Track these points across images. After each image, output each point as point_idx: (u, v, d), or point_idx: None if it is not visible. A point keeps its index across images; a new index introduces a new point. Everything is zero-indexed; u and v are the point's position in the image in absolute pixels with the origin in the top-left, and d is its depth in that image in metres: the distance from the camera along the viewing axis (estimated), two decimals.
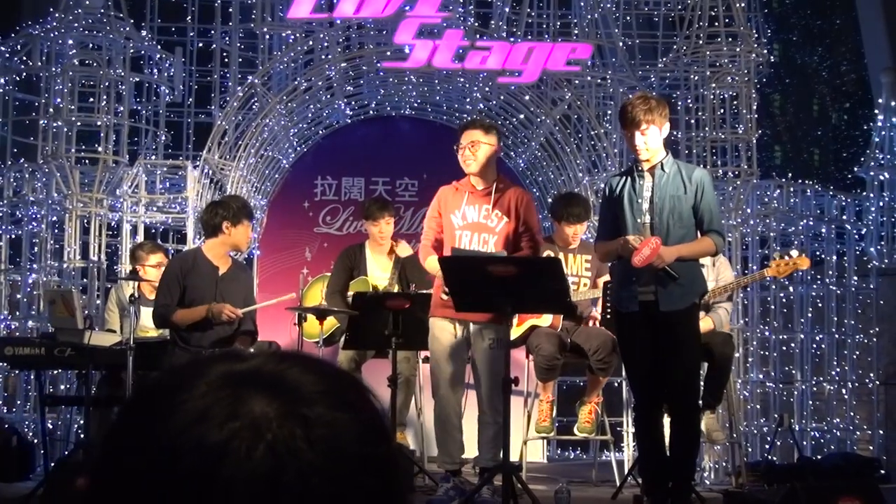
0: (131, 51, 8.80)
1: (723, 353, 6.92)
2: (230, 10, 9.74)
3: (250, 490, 0.79)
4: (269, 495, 0.79)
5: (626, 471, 7.32)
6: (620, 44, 9.54)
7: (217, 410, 0.82)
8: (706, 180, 5.58)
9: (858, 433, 9.57)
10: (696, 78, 9.08)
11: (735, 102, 8.97)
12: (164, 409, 0.84)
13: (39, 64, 8.79)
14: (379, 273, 7.80)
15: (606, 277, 7.09)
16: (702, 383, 7.47)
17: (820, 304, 9.58)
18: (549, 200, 8.74)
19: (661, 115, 5.46)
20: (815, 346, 9.49)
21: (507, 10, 9.63)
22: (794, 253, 6.92)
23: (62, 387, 8.22)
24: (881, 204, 9.69)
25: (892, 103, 9.83)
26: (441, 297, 6.12)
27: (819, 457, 8.64)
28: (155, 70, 9.25)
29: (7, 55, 8.96)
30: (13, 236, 9.02)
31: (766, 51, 9.28)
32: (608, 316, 6.79)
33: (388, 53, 9.22)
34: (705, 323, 6.76)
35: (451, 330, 6.21)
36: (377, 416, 0.89)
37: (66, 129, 8.46)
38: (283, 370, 0.87)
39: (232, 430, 0.81)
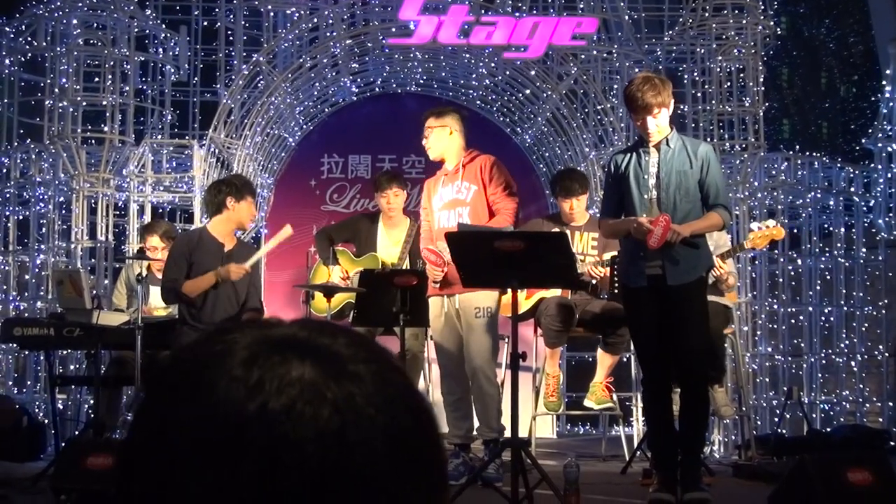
0: (136, 30, 8.78)
1: (714, 327, 6.88)
2: None
3: (321, 450, 0.80)
4: (341, 454, 0.81)
5: (634, 445, 7.32)
6: (626, 17, 9.50)
7: (270, 377, 0.83)
8: (711, 155, 5.56)
9: (868, 405, 9.58)
10: (703, 51, 9.05)
11: (742, 75, 8.93)
12: (209, 379, 0.84)
13: (44, 44, 8.78)
14: (389, 248, 7.79)
15: (613, 253, 7.07)
16: None
17: (828, 277, 9.57)
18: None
19: (669, 95, 5.45)
20: (823, 318, 9.48)
21: None
22: (771, 223, 6.89)
23: (71, 367, 8.25)
24: (889, 175, 9.66)
25: None
26: (431, 283, 6.30)
27: (828, 429, 8.65)
28: (160, 49, 9.24)
29: (12, 36, 8.95)
30: (20, 217, 9.04)
31: (772, 23, 9.22)
32: (616, 291, 6.78)
33: (394, 30, 9.19)
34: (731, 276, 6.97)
35: (443, 306, 6.36)
36: (404, 371, 0.91)
37: (71, 110, 8.46)
38: (315, 336, 0.88)
39: (291, 396, 0.82)
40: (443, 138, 6.48)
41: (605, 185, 5.86)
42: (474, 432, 6.38)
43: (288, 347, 0.86)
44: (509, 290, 5.36)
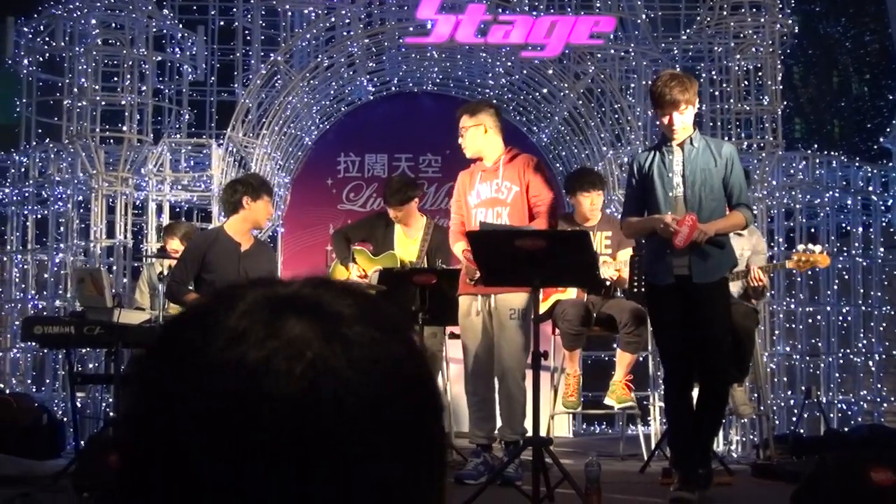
0: (154, 30, 8.81)
1: (744, 326, 6.88)
2: None
3: (291, 408, 0.80)
4: (310, 413, 0.80)
5: (653, 445, 7.32)
6: (643, 16, 9.48)
7: (256, 329, 0.83)
8: (735, 155, 5.61)
9: (885, 405, 9.55)
10: (720, 49, 9.03)
11: (759, 74, 8.92)
12: (202, 329, 0.85)
13: (63, 44, 8.81)
14: (408, 247, 7.79)
15: (629, 251, 7.07)
16: None
17: (846, 276, 9.54)
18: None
19: (695, 93, 5.51)
20: (841, 318, 9.45)
21: None
22: (818, 248, 6.84)
23: (91, 365, 8.28)
24: None
25: None
26: (466, 281, 6.24)
27: (846, 429, 8.63)
28: (177, 49, 9.26)
29: (30, 36, 8.98)
30: (39, 216, 9.07)
31: (790, 21, 9.21)
32: (635, 290, 6.78)
33: (411, 29, 9.20)
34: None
35: (476, 306, 6.29)
36: (412, 338, 0.91)
37: (90, 109, 8.49)
38: (320, 294, 0.88)
39: (272, 349, 0.82)
40: (478, 137, 6.41)
41: (628, 184, 5.88)
42: (496, 433, 6.37)
43: (286, 304, 0.86)
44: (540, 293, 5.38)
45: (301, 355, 0.82)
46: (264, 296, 0.87)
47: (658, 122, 5.71)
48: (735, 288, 6.77)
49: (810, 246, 6.90)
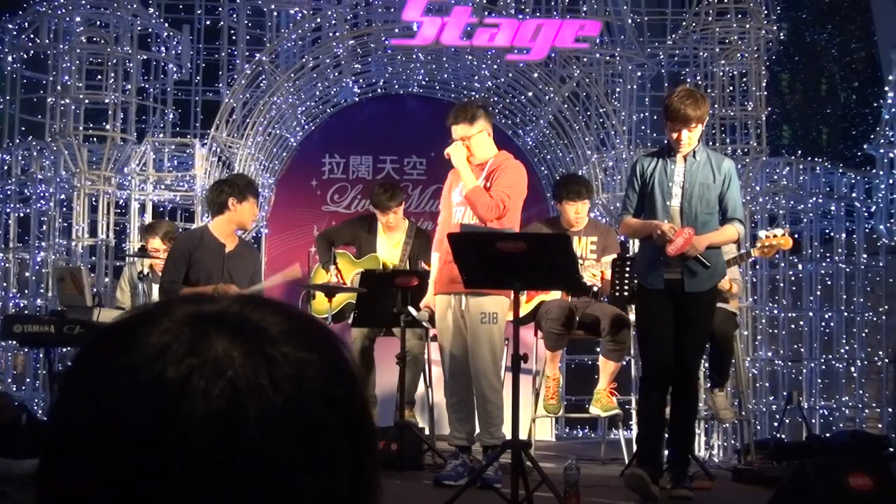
0: (139, 28, 8.79)
1: (723, 331, 6.92)
2: None
3: (207, 428, 0.78)
4: (228, 434, 0.79)
5: (634, 449, 7.31)
6: (629, 21, 9.49)
7: (177, 346, 0.82)
8: (733, 171, 5.83)
9: (867, 411, 9.57)
10: (706, 55, 9.05)
11: (744, 79, 8.94)
12: (124, 344, 0.83)
13: (47, 42, 8.78)
14: (390, 250, 7.79)
15: (612, 256, 7.08)
16: (704, 362, 7.53)
17: (829, 282, 9.56)
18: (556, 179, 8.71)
19: (707, 110, 5.78)
20: (823, 323, 9.48)
21: None
22: (779, 231, 6.88)
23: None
24: (891, 181, 9.65)
25: None
26: (440, 275, 6.23)
27: (828, 434, 8.64)
28: (162, 48, 9.23)
29: (14, 33, 8.95)
30: (21, 215, 9.03)
31: (775, 27, 9.23)
32: (617, 294, 6.80)
33: (396, 31, 9.19)
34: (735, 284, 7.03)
35: (450, 305, 6.25)
36: (343, 359, 0.88)
37: (73, 107, 8.46)
38: (247, 311, 0.86)
39: (191, 366, 0.80)
40: (483, 143, 6.27)
41: (629, 184, 6.02)
42: (475, 435, 6.35)
43: (212, 321, 0.84)
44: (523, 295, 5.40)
45: (221, 374, 0.80)
46: (189, 312, 0.86)
47: (666, 135, 5.84)
48: None
49: (773, 230, 6.92)
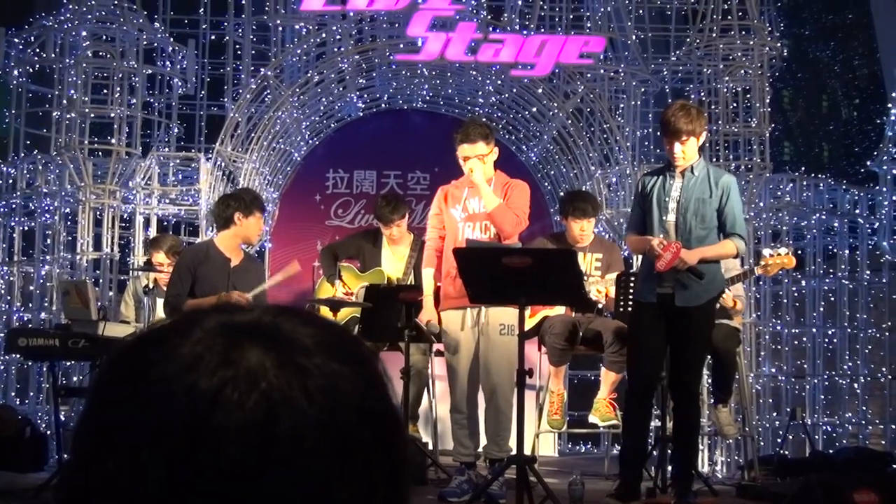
0: (144, 43, 8.81)
1: (725, 347, 6.92)
2: (243, 2, 9.74)
3: (241, 439, 0.78)
4: (262, 445, 0.78)
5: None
6: (633, 37, 9.52)
7: (210, 357, 0.81)
8: (733, 186, 5.79)
9: (871, 427, 9.56)
10: (709, 71, 9.07)
11: (748, 96, 8.96)
12: (157, 354, 0.83)
13: (53, 56, 8.80)
14: (394, 264, 7.80)
15: (616, 273, 7.10)
16: (707, 378, 7.54)
17: (832, 298, 9.56)
18: (561, 195, 8.72)
19: (702, 125, 5.71)
20: (827, 340, 9.47)
21: (519, 2, 9.62)
22: (783, 250, 6.90)
23: (75, 378, 8.24)
24: (894, 198, 9.65)
25: None
26: (448, 290, 6.18)
27: (831, 451, 8.63)
28: (168, 62, 9.26)
29: (21, 47, 8.97)
30: (26, 228, 9.04)
31: (778, 44, 9.26)
32: (621, 309, 6.80)
33: (401, 46, 9.22)
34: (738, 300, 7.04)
35: (462, 319, 6.20)
36: (376, 371, 0.88)
37: (79, 121, 8.48)
38: (281, 322, 0.86)
39: (224, 378, 0.80)
40: (490, 160, 6.26)
41: (634, 201, 6.09)
42: (480, 450, 6.33)
43: (244, 331, 0.84)
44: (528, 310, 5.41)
45: (254, 386, 0.80)
46: (222, 322, 0.85)
47: (665, 149, 5.84)
48: None
49: (777, 249, 6.94)
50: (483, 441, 6.27)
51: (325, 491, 0.80)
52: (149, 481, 0.79)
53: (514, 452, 5.42)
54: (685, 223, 5.66)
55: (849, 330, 9.49)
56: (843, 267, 9.53)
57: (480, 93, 9.93)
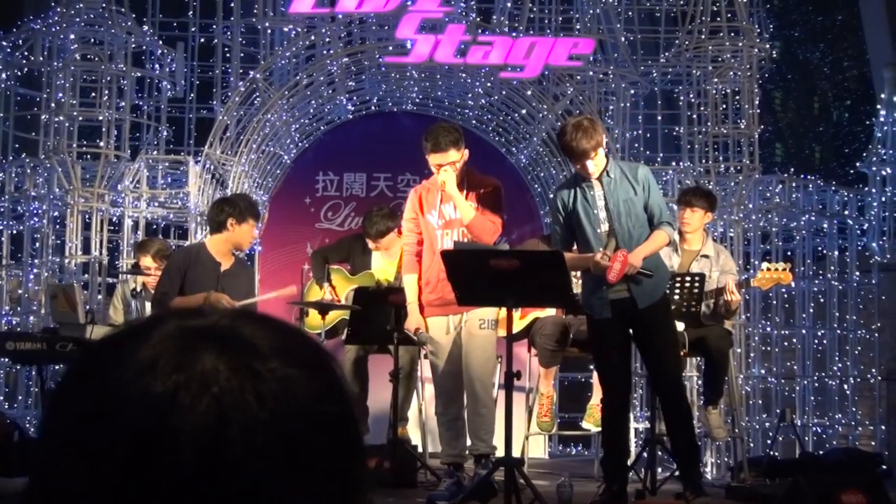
0: (133, 46, 8.80)
1: (719, 348, 6.92)
2: (232, 4, 9.72)
3: (195, 443, 0.78)
4: (215, 449, 0.78)
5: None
6: (623, 39, 9.53)
7: (165, 362, 0.81)
8: (650, 176, 5.77)
9: (860, 429, 9.58)
10: (699, 73, 9.08)
11: (737, 97, 8.97)
12: (114, 358, 0.83)
13: (41, 59, 8.79)
14: (385, 267, 7.79)
15: None
16: (697, 379, 7.54)
17: (822, 300, 9.58)
18: (551, 197, 8.71)
19: (601, 132, 5.64)
20: (816, 341, 9.48)
21: (508, 4, 9.61)
22: (781, 265, 6.92)
23: None
24: (883, 199, 9.68)
25: (895, 98, 9.82)
26: (430, 297, 6.13)
27: (821, 452, 8.64)
28: (156, 65, 9.24)
29: (9, 50, 8.95)
30: (14, 232, 9.02)
31: (768, 45, 9.27)
32: None
33: (390, 48, 9.21)
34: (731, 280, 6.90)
35: (447, 325, 6.18)
36: (333, 375, 0.88)
37: (67, 124, 8.47)
38: (237, 325, 0.86)
39: (177, 382, 0.80)
40: (462, 161, 6.11)
41: (553, 220, 5.97)
42: (467, 451, 6.31)
43: (201, 335, 0.84)
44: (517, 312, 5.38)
45: (206, 389, 0.80)
46: (179, 326, 0.85)
47: (574, 169, 5.80)
48: (703, 307, 6.79)
49: (775, 263, 6.95)
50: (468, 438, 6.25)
51: (276, 494, 0.80)
52: (107, 487, 0.79)
53: (501, 454, 5.41)
54: (622, 227, 5.60)
55: (838, 331, 9.51)
56: (832, 268, 9.55)
57: (470, 95, 9.93)
